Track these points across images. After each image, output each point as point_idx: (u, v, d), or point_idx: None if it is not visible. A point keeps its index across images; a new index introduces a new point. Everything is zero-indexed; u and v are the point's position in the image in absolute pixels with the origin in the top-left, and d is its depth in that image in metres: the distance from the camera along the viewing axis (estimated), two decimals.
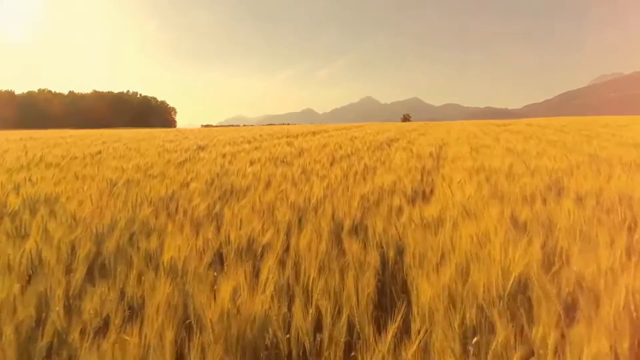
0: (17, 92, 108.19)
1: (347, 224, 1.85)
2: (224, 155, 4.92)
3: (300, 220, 1.94)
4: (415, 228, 1.71)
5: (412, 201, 2.42)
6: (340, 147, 5.96)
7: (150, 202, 2.39)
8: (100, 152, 5.27)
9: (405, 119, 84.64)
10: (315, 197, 2.37)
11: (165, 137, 9.66)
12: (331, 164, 4.15)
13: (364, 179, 3.23)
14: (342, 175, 3.30)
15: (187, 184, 2.93)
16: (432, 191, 2.78)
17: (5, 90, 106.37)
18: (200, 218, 2.08)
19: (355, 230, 1.86)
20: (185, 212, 2.16)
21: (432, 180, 3.07)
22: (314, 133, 10.89)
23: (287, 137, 8.97)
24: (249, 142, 7.75)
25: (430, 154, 4.73)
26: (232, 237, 1.65)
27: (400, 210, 2.14)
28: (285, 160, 4.35)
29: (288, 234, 1.73)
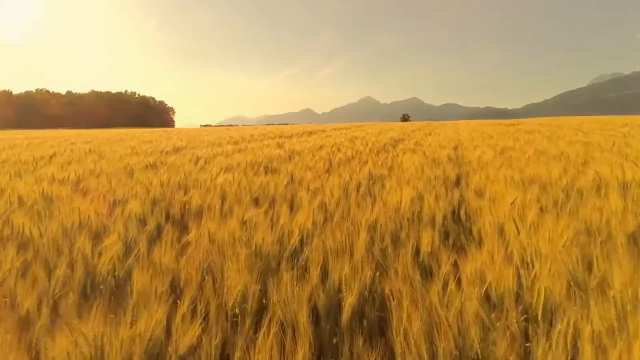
0: (15, 92, 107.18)
1: (348, 302, 1.00)
2: (197, 159, 4.08)
3: (265, 289, 1.10)
4: (481, 320, 0.87)
5: (448, 238, 1.59)
6: (339, 149, 5.12)
7: (48, 239, 1.55)
8: (53, 155, 4.44)
9: (405, 119, 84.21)
10: (298, 231, 1.53)
11: (147, 137, 8.77)
12: (327, 172, 3.32)
13: (370, 194, 2.40)
14: (341, 188, 2.46)
15: (124, 203, 2.09)
16: (469, 217, 1.94)
17: (3, 90, 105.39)
18: (96, 278, 1.25)
19: (362, 319, 1.02)
20: (84, 258, 1.33)
21: (465, 197, 2.23)
22: (310, 133, 10.02)
23: (280, 137, 8.12)
24: (236, 142, 6.90)
25: (449, 158, 3.90)
26: (116, 344, 0.81)
27: (436, 260, 1.30)
28: (269, 166, 3.51)
29: (235, 330, 0.90)
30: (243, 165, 3.57)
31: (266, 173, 3.10)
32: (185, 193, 2.32)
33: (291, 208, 2.11)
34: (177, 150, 5.20)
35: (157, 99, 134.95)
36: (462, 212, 2.02)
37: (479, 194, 2.25)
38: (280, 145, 5.52)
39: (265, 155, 4.25)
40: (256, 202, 2.25)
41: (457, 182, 2.93)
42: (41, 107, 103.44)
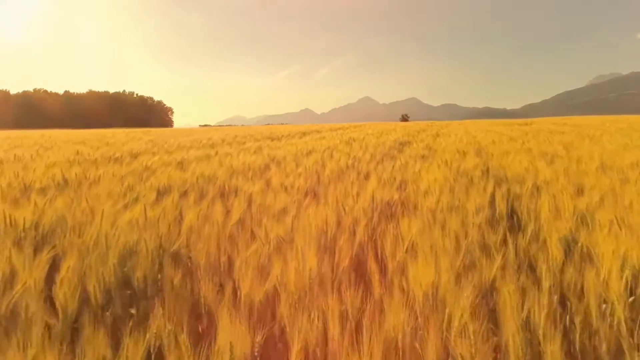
0: (13, 92, 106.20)
1: None
2: (143, 170, 3.03)
3: None
4: None
5: None
6: (332, 156, 4.05)
7: None
8: None
9: (404, 119, 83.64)
10: None
11: (115, 139, 7.67)
12: (310, 195, 2.26)
13: (376, 252, 1.34)
14: (325, 237, 1.41)
15: None
16: None
17: (0, 90, 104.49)
18: None
19: None
20: None
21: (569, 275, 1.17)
22: (303, 134, 8.91)
23: (268, 139, 7.05)
24: (212, 146, 5.82)
25: (482, 171, 2.84)
26: None
27: None
28: (227, 186, 2.44)
29: None
30: (192, 181, 2.51)
31: (216, 199, 2.04)
32: (36, 250, 1.25)
33: (220, 287, 1.05)
34: (126, 157, 4.13)
35: (156, 99, 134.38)
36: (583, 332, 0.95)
37: (588, 259, 1.19)
38: (258, 151, 4.45)
39: (233, 166, 3.19)
40: (154, 283, 1.18)
41: (512, 216, 1.88)
42: (39, 107, 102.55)
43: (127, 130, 20.01)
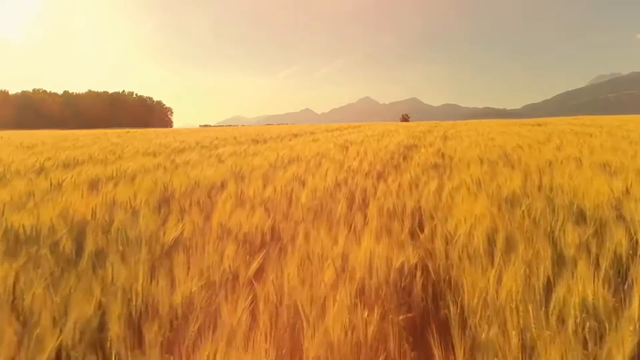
0: (12, 92, 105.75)
1: None
2: (41, 192, 2.09)
3: None
4: None
5: None
6: (319, 165, 3.10)
7: None
8: None
9: (404, 119, 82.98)
10: None
11: (80, 141, 6.74)
12: (261, 250, 1.31)
13: None
14: None
15: None
16: None
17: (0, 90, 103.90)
18: None
19: None
20: None
21: None
22: (294, 135, 7.93)
23: (253, 141, 6.11)
24: (180, 151, 4.88)
25: (539, 198, 1.88)
26: None
27: None
28: (136, 227, 1.50)
29: None
30: (82, 219, 1.56)
31: (83, 271, 1.10)
32: None
33: None
34: (48, 168, 3.20)
35: (155, 99, 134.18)
36: None
37: None
38: (232, 156, 3.49)
39: (174, 185, 2.24)
40: None
41: None
42: (38, 107, 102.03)
43: (105, 131, 19.07)
